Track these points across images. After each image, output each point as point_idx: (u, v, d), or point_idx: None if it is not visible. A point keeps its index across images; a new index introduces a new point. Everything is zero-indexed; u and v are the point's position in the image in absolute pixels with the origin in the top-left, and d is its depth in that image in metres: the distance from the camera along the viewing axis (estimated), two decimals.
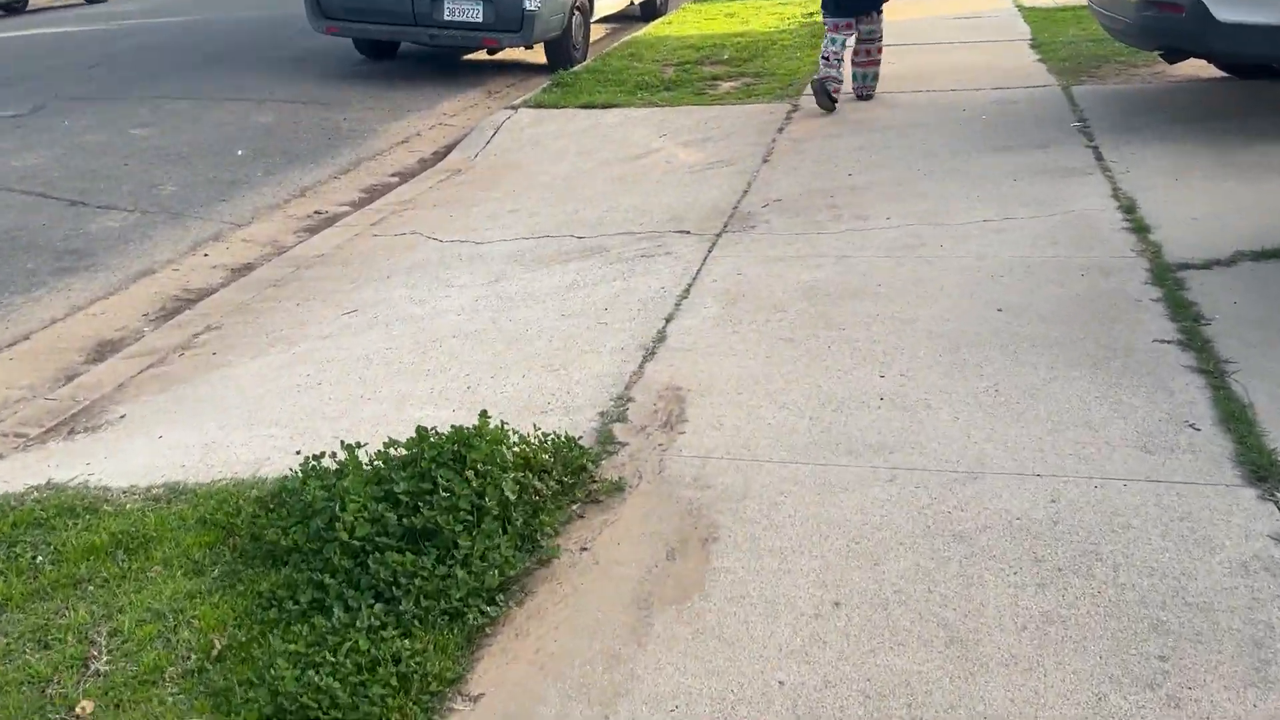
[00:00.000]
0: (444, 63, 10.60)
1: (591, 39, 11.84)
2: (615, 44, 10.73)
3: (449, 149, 7.61)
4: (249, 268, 5.53)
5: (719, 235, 5.11)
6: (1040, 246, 4.58)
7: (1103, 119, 6.54)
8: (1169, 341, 3.65)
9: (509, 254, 5.20)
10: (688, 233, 5.19)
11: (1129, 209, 4.92)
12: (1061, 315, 3.91)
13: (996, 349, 3.70)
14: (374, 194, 6.68)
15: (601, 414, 3.47)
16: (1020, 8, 11.09)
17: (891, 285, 4.31)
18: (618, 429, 3.37)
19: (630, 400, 3.55)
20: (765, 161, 6.27)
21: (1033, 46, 9.03)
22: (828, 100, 7.14)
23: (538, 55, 10.26)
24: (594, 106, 8.04)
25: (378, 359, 4.12)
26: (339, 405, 3.76)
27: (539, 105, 8.19)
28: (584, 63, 9.91)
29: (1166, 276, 4.15)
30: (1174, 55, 6.08)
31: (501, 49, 9.53)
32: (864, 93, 7.57)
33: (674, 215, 5.48)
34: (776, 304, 4.23)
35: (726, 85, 8.52)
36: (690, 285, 4.51)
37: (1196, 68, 7.50)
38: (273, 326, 4.62)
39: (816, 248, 4.81)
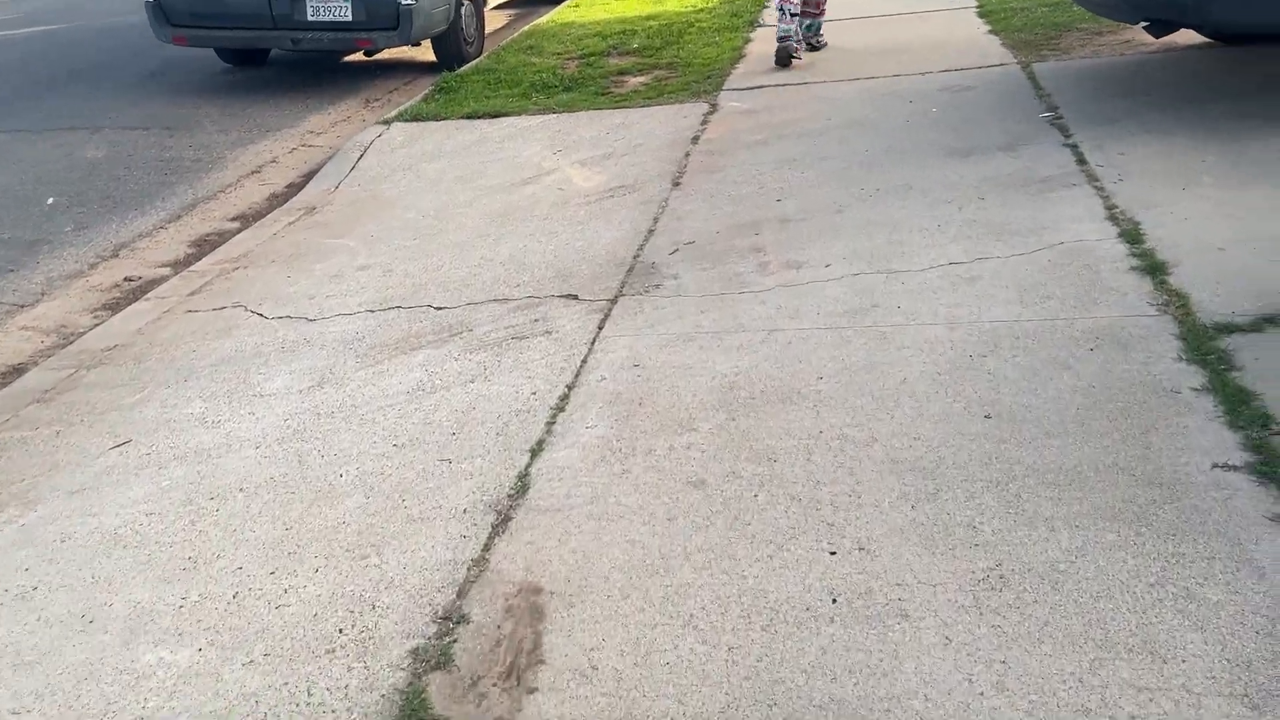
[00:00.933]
0: (319, 68, 9.24)
1: (492, 28, 10.56)
2: (515, 34, 9.44)
3: (309, 177, 6.33)
4: (17, 371, 4.25)
5: (614, 301, 3.91)
6: (1029, 304, 3.44)
7: (1076, 106, 5.41)
8: (1234, 467, 2.53)
9: (345, 337, 3.97)
10: (575, 298, 3.99)
11: (1133, 237, 3.80)
12: (1073, 423, 2.77)
13: (992, 492, 2.56)
14: (205, 247, 5.40)
15: (415, 654, 2.27)
16: None
17: (837, 379, 3.14)
18: (435, 690, 2.18)
19: (463, 620, 2.35)
20: (676, 185, 5.08)
21: (981, 15, 7.87)
22: (788, 60, 7.03)
23: (427, 52, 8.95)
24: (480, 116, 6.79)
25: (129, 538, 2.89)
26: (45, 636, 2.53)
27: (416, 118, 6.91)
28: (478, 59, 8.62)
29: (1206, 347, 3.03)
30: (1162, 28, 4.97)
31: (379, 50, 8.21)
32: (811, 41, 7.33)
33: (560, 270, 4.28)
34: (683, 418, 3.05)
35: (636, 81, 7.29)
36: (571, 386, 3.32)
37: (1171, 35, 6.41)
38: (12, 473, 3.37)
39: (738, 317, 3.63)
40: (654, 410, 3.11)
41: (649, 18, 9.23)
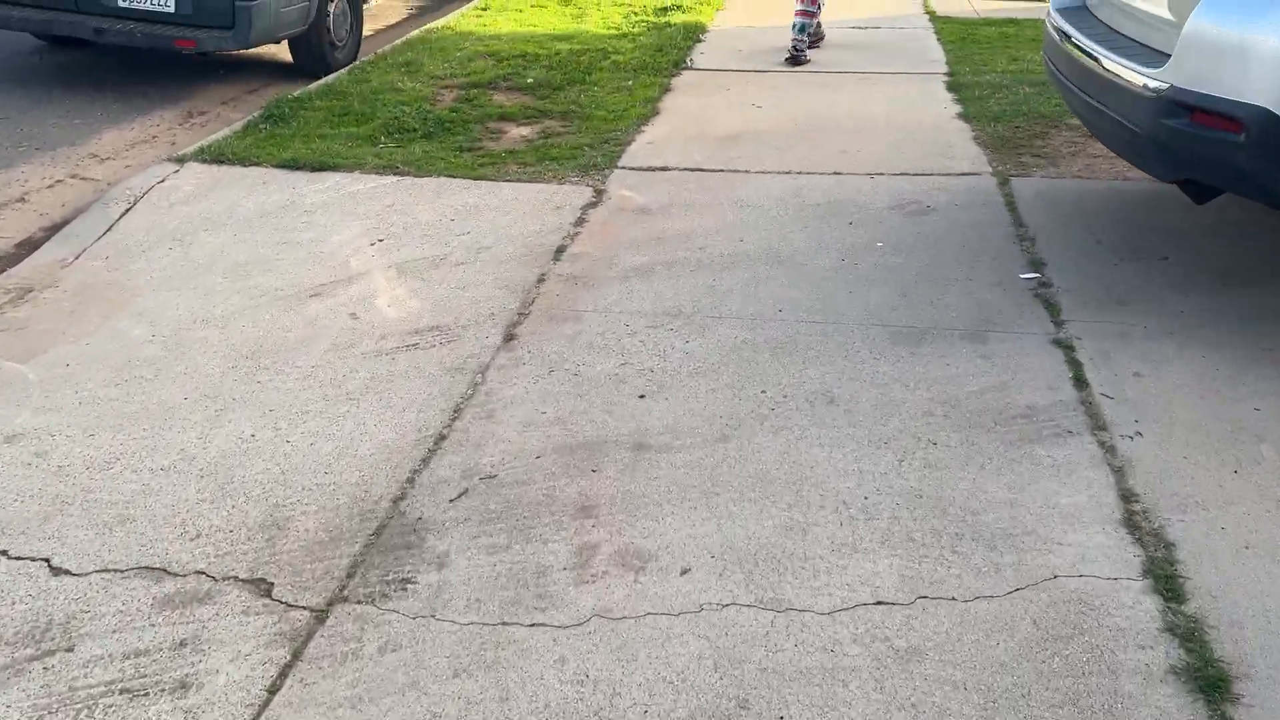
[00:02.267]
0: (155, 56, 7.44)
1: (381, 23, 8.85)
2: (398, 41, 7.72)
3: (52, 232, 4.63)
4: None
5: (321, 616, 2.32)
6: None
7: (1070, 264, 3.94)
8: None
9: None
10: (266, 593, 2.38)
11: (1167, 582, 2.32)
12: None
13: None
14: None
15: None
16: (932, 16, 8.43)
17: None
18: None
19: None
20: (510, 340, 3.49)
21: (950, 88, 6.39)
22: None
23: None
24: (302, 166, 5.11)
25: None
26: None
27: (220, 158, 5.21)
28: (346, 67, 6.92)
29: None
30: (1204, 193, 3.52)
31: (205, 52, 6.46)
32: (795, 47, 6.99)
33: (276, 509, 2.68)
34: None
35: (516, 133, 5.68)
36: None
37: None
38: None
39: (508, 701, 2.10)
40: None
41: (561, 38, 7.57)
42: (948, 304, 3.67)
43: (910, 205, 4.56)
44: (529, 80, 6.49)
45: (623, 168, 5.06)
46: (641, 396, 3.13)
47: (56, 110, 6.27)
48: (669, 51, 7.16)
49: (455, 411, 3.08)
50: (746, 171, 5.00)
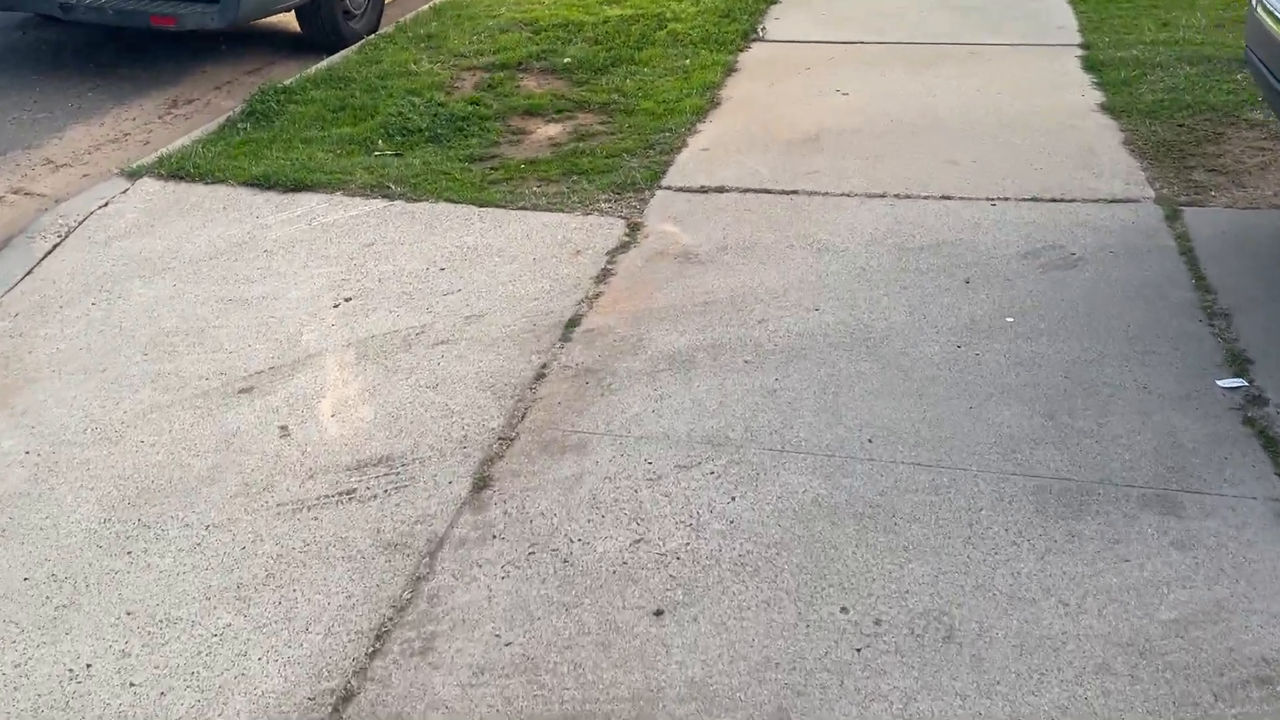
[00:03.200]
0: (151, 32, 6.44)
1: None
2: (427, 4, 6.59)
3: None
4: None
5: None
6: None
7: None
8: None
9: None
10: None
11: None
12: None
13: None
14: None
15: None
16: None
17: None
18: None
19: None
20: (479, 492, 2.43)
21: (1087, 66, 5.04)
22: None
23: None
24: (274, 185, 4.07)
25: None
26: None
27: (178, 173, 4.20)
28: (362, 40, 5.85)
29: None
30: None
31: (185, 30, 5.41)
32: None
33: None
34: None
35: (542, 134, 4.55)
36: None
37: None
38: None
39: None
40: None
41: (611, 1, 6.37)
42: (1115, 435, 2.50)
43: (1048, 252, 3.35)
44: (566, 60, 5.33)
45: (667, 188, 3.92)
46: (658, 613, 2.06)
47: (25, 99, 5.34)
48: (737, 18, 5.90)
49: (379, 637, 2.05)
50: (826, 194, 3.82)
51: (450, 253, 3.54)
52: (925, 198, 3.76)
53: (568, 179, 4.06)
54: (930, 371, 2.77)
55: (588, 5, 6.28)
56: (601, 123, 4.62)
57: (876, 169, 4.01)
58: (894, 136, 4.30)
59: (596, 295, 3.22)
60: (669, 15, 6.01)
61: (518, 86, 5.06)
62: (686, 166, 4.10)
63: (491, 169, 4.18)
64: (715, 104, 4.75)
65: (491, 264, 3.44)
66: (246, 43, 6.29)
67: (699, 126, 4.49)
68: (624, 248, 3.50)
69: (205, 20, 5.21)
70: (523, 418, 2.67)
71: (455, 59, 5.45)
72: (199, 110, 5.33)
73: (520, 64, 5.33)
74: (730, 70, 5.18)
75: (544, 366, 2.88)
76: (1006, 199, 3.72)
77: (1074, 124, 4.36)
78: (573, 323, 3.07)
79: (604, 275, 3.33)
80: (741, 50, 5.49)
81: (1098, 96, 4.64)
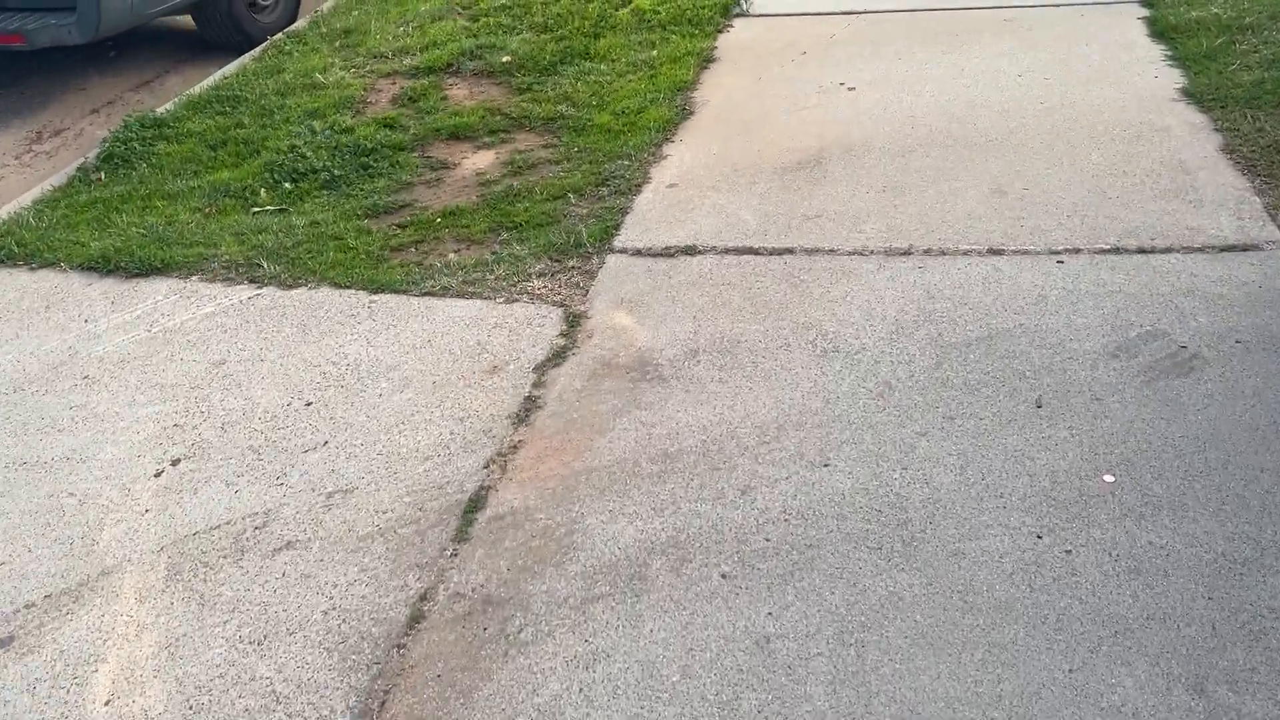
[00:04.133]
0: None
1: None
2: None
3: None
4: None
5: None
6: None
7: None
8: None
9: None
10: None
11: None
12: None
13: None
14: None
15: None
16: None
17: None
18: None
19: None
20: None
21: (1155, 33, 3.96)
22: None
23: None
24: (115, 269, 3.06)
25: None
26: None
27: (0, 253, 3.26)
28: (268, 42, 4.81)
29: None
30: None
31: (37, 48, 4.36)
32: None
33: None
34: None
35: (468, 167, 3.53)
36: None
37: None
38: None
39: None
40: None
41: None
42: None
43: (1147, 345, 2.35)
44: (506, 58, 4.27)
45: (621, 250, 2.91)
46: None
47: None
48: None
49: None
50: (832, 252, 2.81)
51: (324, 375, 2.57)
52: (966, 252, 2.75)
53: (495, 237, 3.06)
54: (1001, 593, 1.80)
55: None
56: (545, 146, 3.60)
57: (898, 207, 2.99)
58: (919, 154, 3.27)
59: (514, 447, 2.25)
60: None
61: (444, 98, 4.03)
62: (648, 214, 3.09)
63: (398, 226, 3.18)
64: (687, 113, 3.71)
65: (376, 393, 2.47)
66: (141, 45, 5.26)
67: (666, 149, 3.46)
68: (559, 357, 2.51)
69: (62, 35, 4.19)
70: (379, 710, 1.73)
71: (373, 62, 4.41)
72: (67, 144, 4.34)
73: (450, 65, 4.29)
74: (706, 61, 4.13)
75: (425, 597, 1.92)
76: (1077, 250, 2.70)
77: (1151, 121, 3.31)
78: (475, 503, 2.11)
79: (527, 409, 2.35)
80: (721, 31, 4.42)
81: (1176, 78, 3.57)
